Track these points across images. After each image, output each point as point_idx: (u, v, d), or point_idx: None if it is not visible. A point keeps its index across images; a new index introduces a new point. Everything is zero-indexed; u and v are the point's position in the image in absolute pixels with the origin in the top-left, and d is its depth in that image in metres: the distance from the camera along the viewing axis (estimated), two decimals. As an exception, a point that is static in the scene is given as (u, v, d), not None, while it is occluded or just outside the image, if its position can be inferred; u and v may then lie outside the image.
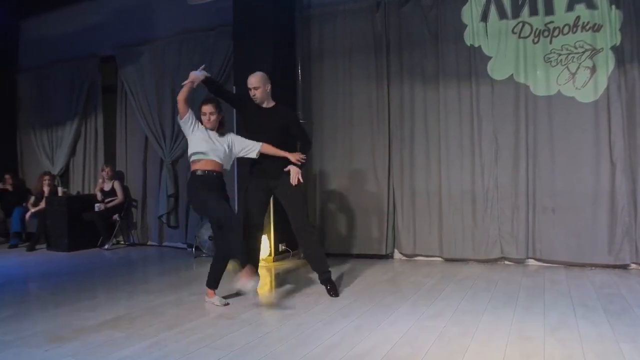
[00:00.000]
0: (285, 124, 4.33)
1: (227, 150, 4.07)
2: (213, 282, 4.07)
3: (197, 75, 4.14)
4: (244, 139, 4.23)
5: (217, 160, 4.00)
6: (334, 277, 4.37)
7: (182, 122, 4.07)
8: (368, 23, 6.00)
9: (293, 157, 4.18)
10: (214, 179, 3.99)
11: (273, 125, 4.28)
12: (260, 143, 4.17)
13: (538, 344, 2.92)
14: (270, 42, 5.88)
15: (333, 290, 4.20)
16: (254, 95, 4.28)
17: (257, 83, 4.25)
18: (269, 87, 4.33)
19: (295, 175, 4.17)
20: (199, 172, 3.97)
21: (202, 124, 4.07)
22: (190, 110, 4.06)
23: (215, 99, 4.21)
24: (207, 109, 4.04)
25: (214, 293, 4.07)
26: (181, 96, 4.03)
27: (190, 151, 4.02)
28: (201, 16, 6.84)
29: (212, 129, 4.07)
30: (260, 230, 4.44)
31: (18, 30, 9.18)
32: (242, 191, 4.64)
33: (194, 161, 4.01)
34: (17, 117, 9.22)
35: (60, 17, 8.49)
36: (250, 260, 4.39)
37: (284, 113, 4.38)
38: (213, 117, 4.04)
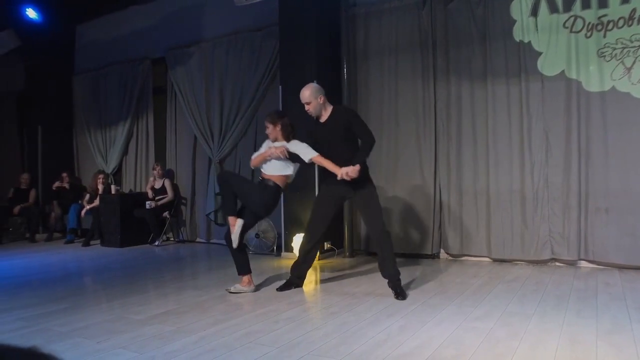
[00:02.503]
0: (345, 128, 4.19)
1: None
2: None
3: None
4: (303, 145, 4.24)
5: (264, 170, 4.37)
6: (378, 276, 4.35)
7: None
8: (414, 20, 5.94)
9: (340, 172, 4.03)
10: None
11: (334, 136, 4.20)
12: (315, 154, 4.17)
13: (590, 349, 2.83)
14: (315, 41, 5.92)
15: (401, 295, 4.07)
16: (308, 110, 4.26)
17: (308, 98, 4.21)
18: (321, 98, 4.23)
19: (343, 173, 4.00)
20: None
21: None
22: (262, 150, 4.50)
23: (269, 114, 4.50)
24: (265, 122, 4.45)
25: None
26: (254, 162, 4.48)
27: None
28: (248, 17, 6.94)
29: (273, 141, 4.39)
30: (312, 240, 4.47)
31: (74, 34, 9.58)
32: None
33: None
34: (74, 118, 9.62)
35: (113, 22, 8.82)
36: (298, 263, 4.49)
37: (341, 117, 4.24)
38: (268, 131, 4.40)
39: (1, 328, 3.51)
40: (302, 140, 4.30)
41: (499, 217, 5.49)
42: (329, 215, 4.43)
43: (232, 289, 4.39)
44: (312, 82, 4.83)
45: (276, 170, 4.31)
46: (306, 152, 4.20)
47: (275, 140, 4.37)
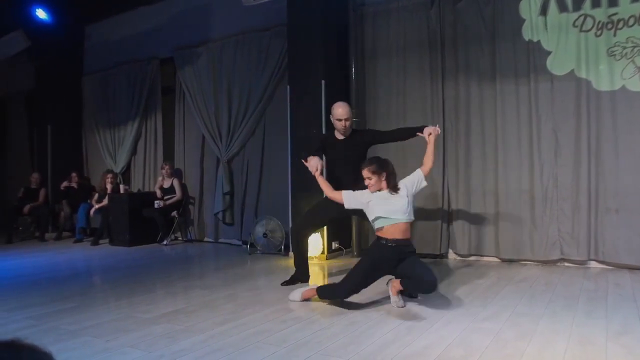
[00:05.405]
0: (368, 144, 4.35)
1: (408, 199, 3.77)
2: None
3: (315, 163, 4.08)
4: (410, 177, 3.91)
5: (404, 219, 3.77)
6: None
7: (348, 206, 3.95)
8: (422, 20, 5.92)
9: (427, 130, 4.06)
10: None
11: (354, 152, 4.30)
12: (419, 170, 3.92)
13: (599, 350, 2.80)
14: (323, 41, 5.91)
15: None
16: (344, 126, 4.33)
17: (347, 114, 4.33)
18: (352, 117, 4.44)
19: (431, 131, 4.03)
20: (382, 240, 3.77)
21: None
22: (342, 192, 3.93)
23: (370, 162, 3.83)
24: (365, 174, 3.78)
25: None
26: (327, 192, 4.06)
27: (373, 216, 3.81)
28: (257, 17, 6.94)
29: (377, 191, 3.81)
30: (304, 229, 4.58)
31: (83, 35, 9.63)
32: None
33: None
34: (83, 118, 9.67)
35: (122, 22, 8.87)
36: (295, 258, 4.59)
37: (365, 134, 4.46)
38: (372, 182, 3.76)
39: (10, 326, 3.53)
40: (311, 145, 4.40)
41: (507, 217, 5.46)
42: (329, 215, 4.52)
43: (291, 297, 4.04)
44: (321, 81, 4.84)
45: None
46: (418, 176, 3.93)
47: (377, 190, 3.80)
